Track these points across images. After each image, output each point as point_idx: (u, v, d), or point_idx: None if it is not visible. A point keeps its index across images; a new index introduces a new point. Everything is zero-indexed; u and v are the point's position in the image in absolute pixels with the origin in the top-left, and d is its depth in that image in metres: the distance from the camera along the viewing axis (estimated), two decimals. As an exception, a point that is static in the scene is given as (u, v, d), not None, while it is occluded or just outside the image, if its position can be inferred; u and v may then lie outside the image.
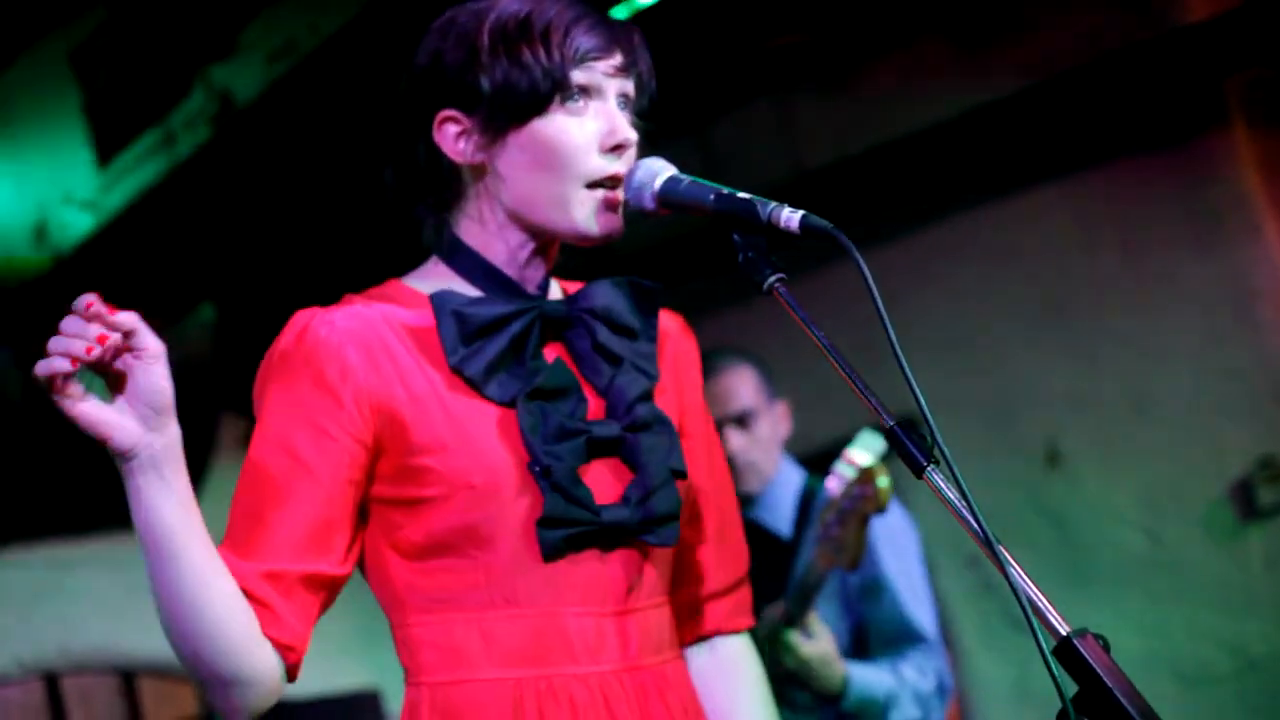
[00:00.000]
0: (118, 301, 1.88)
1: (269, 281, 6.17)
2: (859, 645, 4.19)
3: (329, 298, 2.18)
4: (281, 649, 2.05)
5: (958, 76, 5.88)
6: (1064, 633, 1.78)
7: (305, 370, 2.06)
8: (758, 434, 4.26)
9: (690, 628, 2.34)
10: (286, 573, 2.03)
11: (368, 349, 2.07)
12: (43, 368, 1.81)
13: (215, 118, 5.05)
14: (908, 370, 1.84)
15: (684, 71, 5.15)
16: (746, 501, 4.28)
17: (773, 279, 1.98)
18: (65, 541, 6.42)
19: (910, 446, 1.85)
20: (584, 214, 2.10)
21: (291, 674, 2.10)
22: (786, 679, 3.92)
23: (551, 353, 2.16)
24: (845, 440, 3.96)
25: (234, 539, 2.07)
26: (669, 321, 2.33)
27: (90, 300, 1.84)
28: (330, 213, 5.64)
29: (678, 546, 2.22)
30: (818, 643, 3.90)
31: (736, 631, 2.39)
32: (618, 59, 2.13)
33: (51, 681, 6.48)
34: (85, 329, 1.83)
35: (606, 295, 2.19)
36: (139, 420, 1.89)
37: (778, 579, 4.06)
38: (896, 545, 4.19)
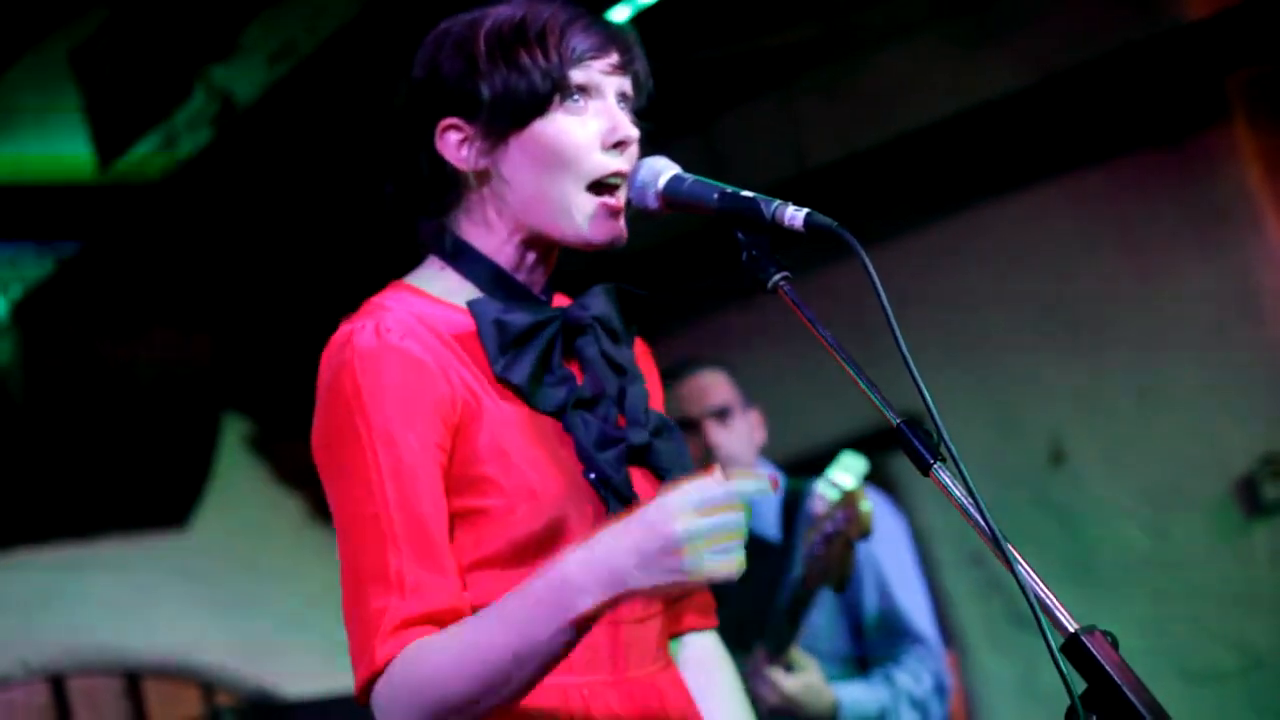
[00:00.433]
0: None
1: (272, 281, 6.17)
2: (856, 647, 4.19)
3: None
4: None
5: (960, 74, 5.87)
6: (1072, 630, 1.78)
7: (396, 374, 2.03)
8: (737, 430, 4.29)
9: (667, 624, 2.34)
10: (466, 590, 2.03)
11: (436, 357, 2.06)
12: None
13: (216, 119, 5.05)
14: (913, 368, 1.84)
15: (687, 69, 5.14)
16: None
17: (778, 277, 1.98)
18: (71, 544, 6.42)
19: (917, 444, 1.86)
20: (587, 220, 2.11)
21: None
22: (772, 714, 3.94)
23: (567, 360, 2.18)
24: (824, 447, 3.98)
25: (414, 544, 1.99)
26: None
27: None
28: (331, 213, 5.64)
29: None
30: (803, 675, 3.92)
31: (707, 629, 2.42)
32: (614, 57, 2.14)
33: (57, 683, 6.49)
34: None
35: (602, 302, 2.19)
36: None
37: (770, 583, 4.06)
38: (889, 546, 4.20)
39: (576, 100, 2.11)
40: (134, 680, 6.63)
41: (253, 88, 4.89)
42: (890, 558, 4.18)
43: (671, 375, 4.22)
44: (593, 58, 2.12)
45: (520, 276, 2.16)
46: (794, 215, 1.96)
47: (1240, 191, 5.63)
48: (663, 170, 2.10)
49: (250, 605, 6.65)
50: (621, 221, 2.13)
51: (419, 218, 2.21)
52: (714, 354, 4.77)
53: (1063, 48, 5.67)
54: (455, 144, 2.14)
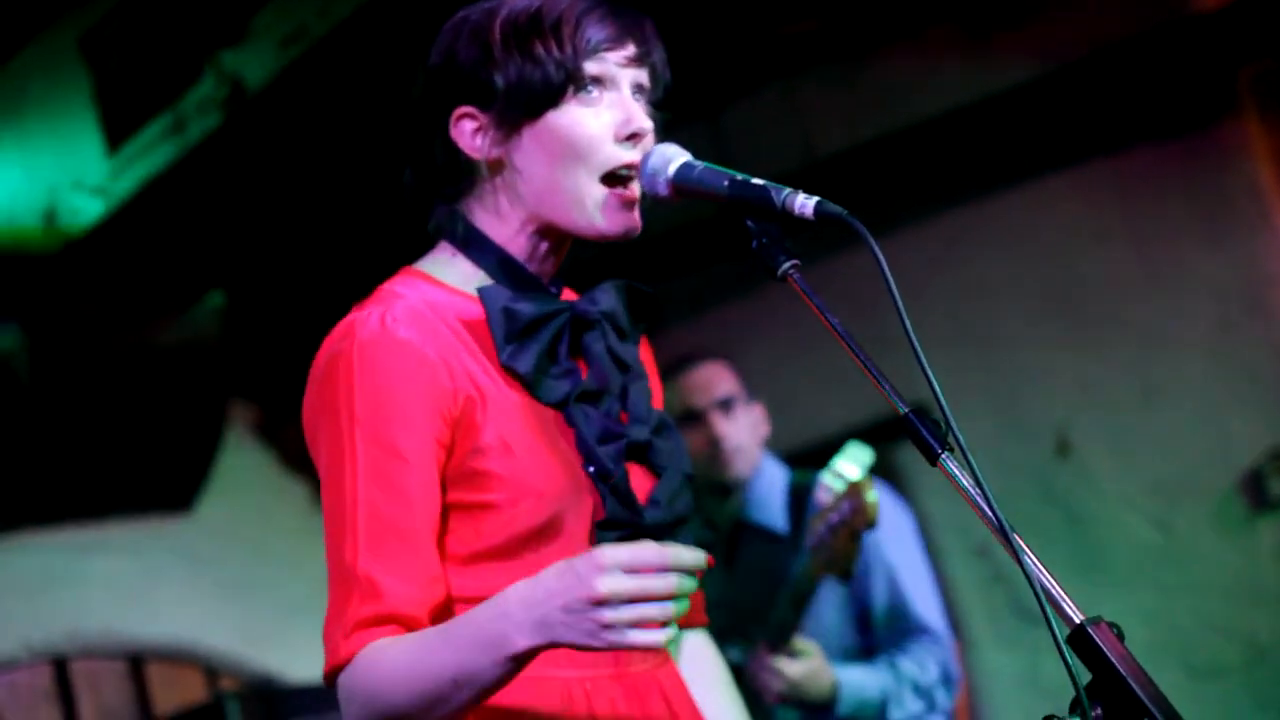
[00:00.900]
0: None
1: (279, 268, 6.17)
2: (864, 639, 4.20)
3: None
4: None
5: (969, 64, 5.87)
6: (1078, 621, 1.78)
7: (395, 368, 2.03)
8: (741, 421, 4.30)
9: None
10: (438, 593, 2.03)
11: (442, 347, 2.06)
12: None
13: (226, 103, 5.05)
14: (923, 358, 1.84)
15: (695, 57, 5.14)
16: (735, 495, 4.30)
17: (787, 265, 1.98)
18: (77, 526, 6.43)
19: (925, 434, 1.86)
20: (600, 212, 2.11)
21: None
22: (777, 702, 3.95)
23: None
24: (829, 438, 3.99)
25: (376, 544, 2.00)
26: None
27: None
28: (340, 199, 5.64)
29: None
30: (805, 660, 3.93)
31: (700, 626, 2.43)
32: (630, 49, 2.14)
33: (60, 665, 6.49)
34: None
35: (611, 298, 2.20)
36: None
37: (775, 574, 4.07)
38: (895, 536, 4.21)
39: (590, 91, 2.11)
40: (137, 663, 6.63)
41: (263, 72, 4.89)
42: (897, 550, 4.19)
43: (674, 367, 4.23)
44: (608, 49, 2.12)
45: (531, 267, 2.17)
46: (804, 203, 1.96)
47: (1250, 185, 5.63)
48: (673, 157, 2.10)
49: (254, 590, 6.66)
50: (636, 213, 2.13)
51: (433, 203, 2.20)
52: (718, 345, 4.78)
53: (1073, 39, 5.67)
54: (469, 133, 2.14)
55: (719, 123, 6.28)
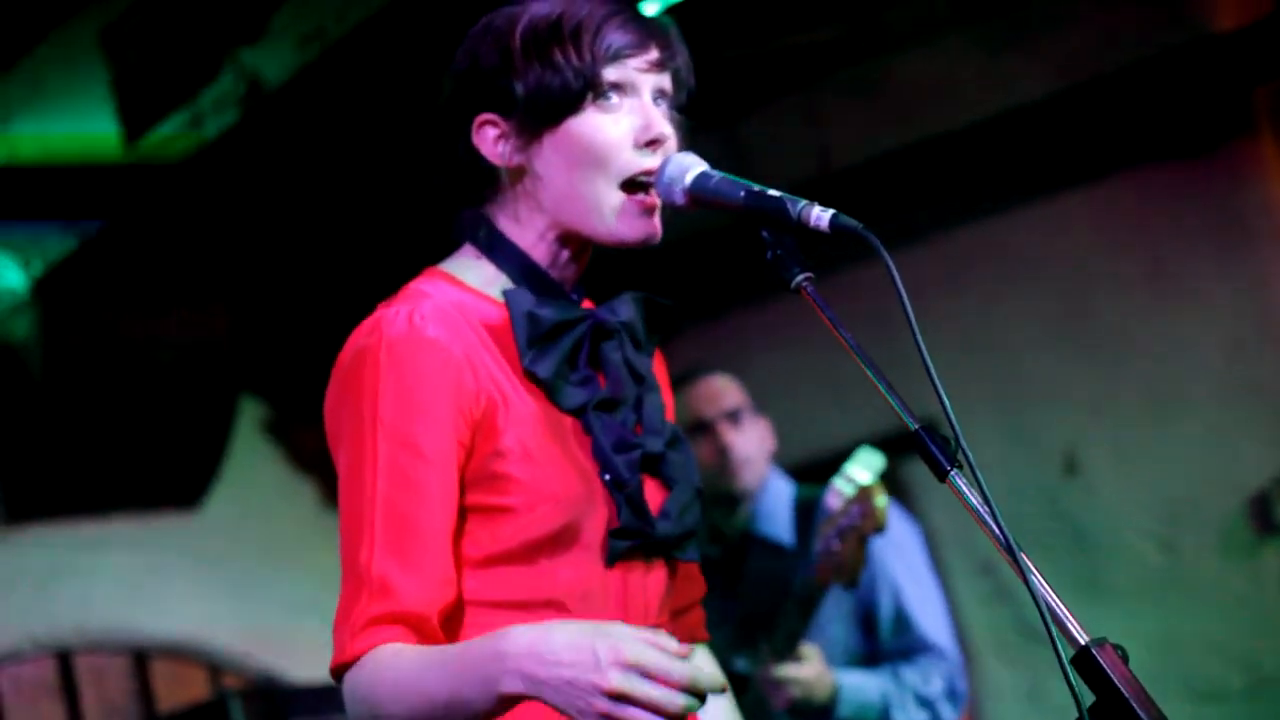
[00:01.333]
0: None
1: (292, 265, 6.18)
2: (868, 643, 4.21)
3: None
4: None
5: (985, 79, 5.87)
6: (1083, 642, 1.78)
7: (421, 366, 2.03)
8: (749, 433, 4.31)
9: (674, 632, 2.35)
10: (449, 593, 2.03)
11: (467, 348, 2.07)
12: None
13: (243, 100, 5.06)
14: (934, 373, 1.84)
15: (713, 67, 5.13)
16: (742, 508, 4.31)
17: (801, 278, 1.98)
18: (85, 521, 6.44)
19: (935, 450, 1.85)
20: (619, 219, 2.11)
21: None
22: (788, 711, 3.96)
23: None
24: (838, 451, 4.00)
25: (392, 543, 2.00)
26: None
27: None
28: (356, 198, 5.65)
29: None
30: (808, 665, 3.95)
31: (703, 641, 2.43)
32: (653, 54, 2.13)
33: (64, 660, 6.50)
34: None
35: (630, 309, 2.19)
36: None
37: (781, 586, 4.08)
38: (902, 553, 4.21)
39: (610, 98, 2.11)
40: (141, 659, 6.64)
41: (281, 71, 4.90)
42: (904, 566, 4.19)
43: (682, 379, 4.24)
44: (629, 55, 2.11)
45: (553, 273, 2.16)
46: (820, 216, 1.96)
47: (1264, 205, 5.62)
48: (690, 166, 2.09)
49: (260, 588, 6.67)
50: (656, 220, 2.13)
51: (459, 206, 2.21)
52: (727, 357, 4.79)
53: (1089, 56, 5.67)
54: (491, 139, 2.14)
55: (736, 132, 6.28)
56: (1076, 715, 1.75)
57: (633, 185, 2.11)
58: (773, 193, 2.01)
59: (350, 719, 2.01)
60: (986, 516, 1.83)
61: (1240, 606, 5.65)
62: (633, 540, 2.10)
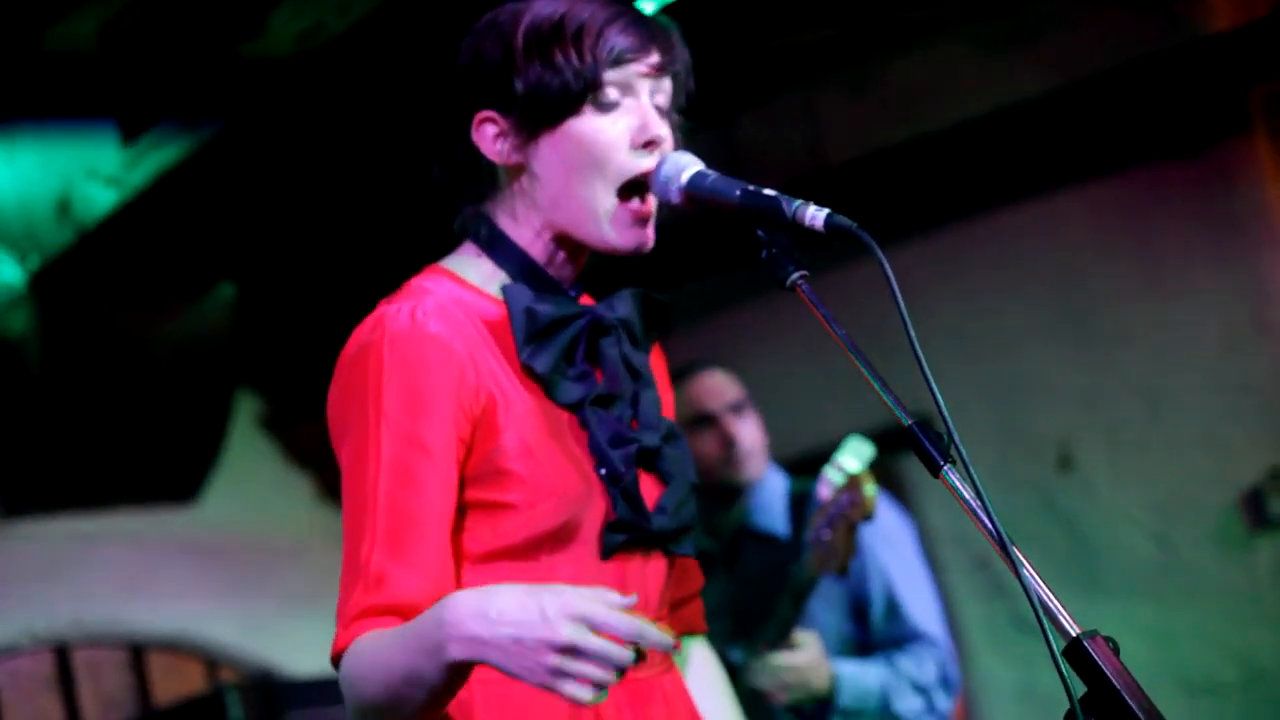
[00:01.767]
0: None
1: (290, 261, 6.19)
2: (860, 631, 4.23)
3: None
4: None
5: (980, 78, 5.87)
6: (1074, 634, 1.80)
7: (424, 361, 2.05)
8: (750, 424, 4.34)
9: (672, 624, 2.37)
10: (446, 586, 2.04)
11: (468, 344, 2.08)
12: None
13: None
14: (927, 369, 1.86)
15: (709, 65, 5.14)
16: (738, 501, 4.33)
17: (795, 276, 2.00)
18: (82, 515, 6.45)
19: (928, 446, 1.87)
20: (614, 226, 2.13)
21: None
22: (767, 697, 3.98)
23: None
24: (833, 445, 4.02)
25: (391, 537, 2.01)
26: None
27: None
28: (352, 194, 5.66)
29: None
30: (804, 652, 3.96)
31: (700, 633, 2.45)
32: (654, 58, 2.14)
33: (62, 654, 6.51)
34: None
35: (627, 305, 2.21)
36: None
37: (776, 578, 4.10)
38: (893, 543, 4.24)
39: (609, 100, 2.12)
40: (138, 653, 6.65)
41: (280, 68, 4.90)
42: (894, 556, 4.21)
43: (680, 374, 4.26)
44: (631, 59, 2.12)
45: (551, 271, 2.18)
46: (814, 215, 1.98)
47: (1257, 205, 5.63)
48: (686, 166, 2.11)
49: (257, 582, 6.68)
50: (649, 229, 2.15)
51: (459, 202, 2.22)
52: (723, 352, 4.80)
53: (1085, 55, 5.67)
54: (491, 137, 2.15)
55: (732, 130, 6.29)
56: (1069, 707, 1.77)
57: (628, 190, 2.12)
58: (768, 192, 2.03)
59: (345, 706, 2.03)
60: (979, 511, 1.85)
61: (1234, 600, 5.66)
62: (628, 534, 2.11)
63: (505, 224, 2.19)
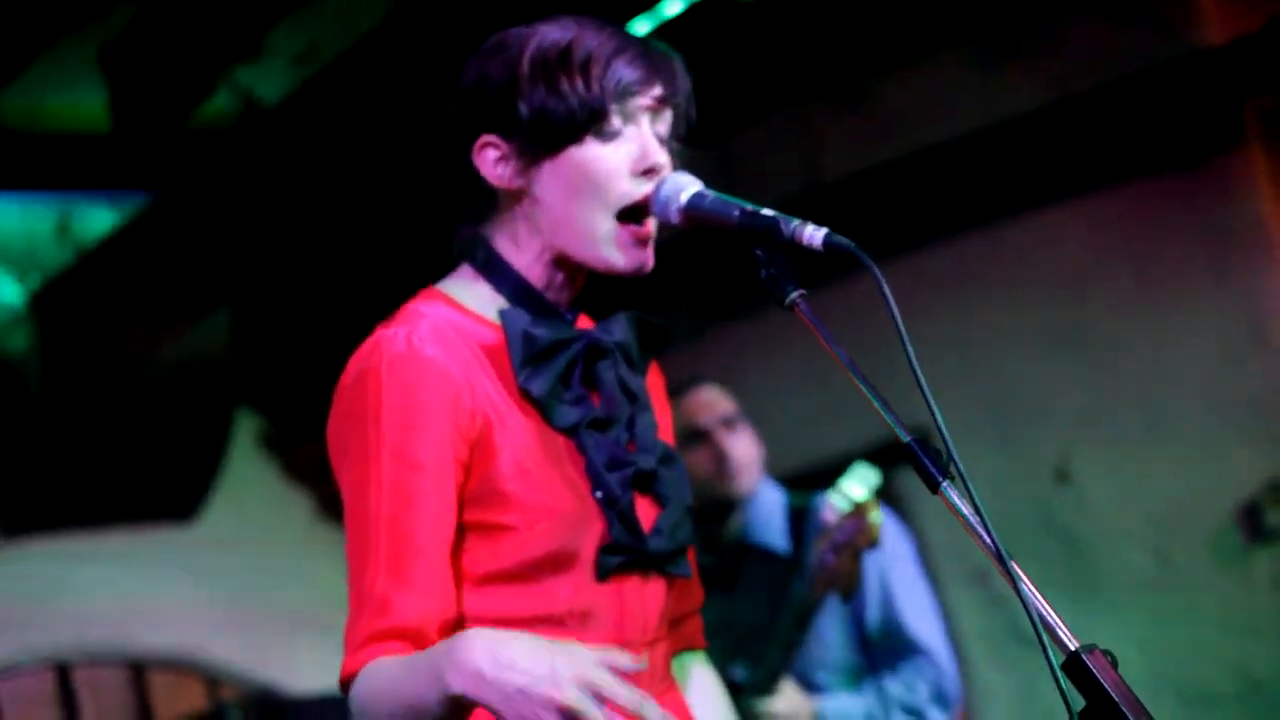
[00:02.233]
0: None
1: (288, 282, 6.20)
2: (863, 658, 4.22)
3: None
4: None
5: (976, 94, 5.89)
6: (1073, 648, 1.81)
7: (421, 385, 2.06)
8: (744, 439, 4.34)
9: (671, 641, 2.37)
10: (449, 609, 2.05)
11: (464, 368, 2.09)
12: None
13: (239, 118, 5.08)
14: (925, 385, 1.87)
15: (704, 83, 5.15)
16: (735, 517, 4.33)
17: (794, 295, 2.01)
18: (83, 534, 6.45)
19: (927, 463, 1.88)
20: (613, 247, 2.13)
21: None
22: None
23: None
24: (831, 461, 4.02)
25: (393, 561, 2.03)
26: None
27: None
28: (349, 215, 5.67)
29: None
30: (783, 698, 3.98)
31: (700, 649, 2.45)
32: (658, 90, 2.15)
33: (63, 672, 6.51)
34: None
35: (624, 329, 2.22)
36: None
37: (776, 594, 4.10)
38: (894, 559, 4.23)
39: (612, 130, 2.12)
40: (139, 672, 6.66)
41: (276, 89, 4.92)
42: (895, 571, 4.21)
43: (672, 393, 4.26)
44: (636, 91, 2.13)
45: (549, 295, 2.19)
46: (813, 235, 1.98)
47: (1254, 219, 5.64)
48: (685, 186, 2.12)
49: (256, 601, 6.68)
50: (648, 250, 2.15)
51: (457, 224, 2.23)
52: (721, 368, 4.81)
53: (1080, 70, 5.69)
54: (492, 161, 2.16)
55: (728, 147, 6.31)
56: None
57: (628, 214, 2.13)
58: (766, 212, 2.04)
59: None
60: (978, 526, 1.86)
61: (1231, 613, 5.67)
62: (624, 556, 2.12)
63: (504, 247, 2.19)
